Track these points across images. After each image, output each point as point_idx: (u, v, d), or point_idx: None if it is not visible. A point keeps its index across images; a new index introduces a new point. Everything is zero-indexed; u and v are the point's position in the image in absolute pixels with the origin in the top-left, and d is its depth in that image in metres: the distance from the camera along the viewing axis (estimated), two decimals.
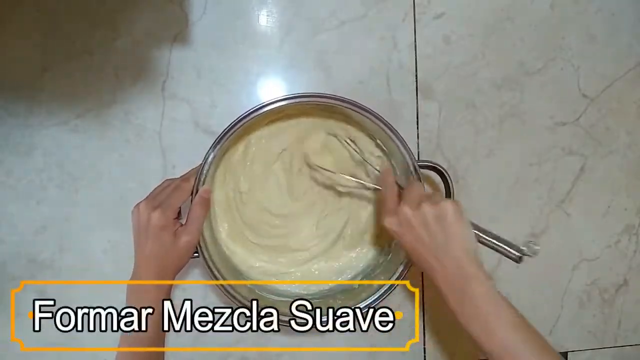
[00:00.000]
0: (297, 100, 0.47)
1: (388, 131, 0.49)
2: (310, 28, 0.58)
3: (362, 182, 0.53)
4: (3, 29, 0.54)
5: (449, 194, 0.51)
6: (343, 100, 0.48)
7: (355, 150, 0.54)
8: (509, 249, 0.42)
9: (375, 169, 0.54)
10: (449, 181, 0.51)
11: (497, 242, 0.42)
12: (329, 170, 0.54)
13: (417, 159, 0.57)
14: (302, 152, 0.56)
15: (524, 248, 0.42)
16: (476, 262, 0.40)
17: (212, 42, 0.57)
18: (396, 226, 0.43)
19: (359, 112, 0.48)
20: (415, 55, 0.60)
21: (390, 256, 0.55)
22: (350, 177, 0.53)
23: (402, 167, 0.51)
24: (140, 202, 0.46)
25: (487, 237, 0.43)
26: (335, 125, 0.56)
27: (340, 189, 0.57)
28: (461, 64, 0.61)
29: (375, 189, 0.56)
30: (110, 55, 0.56)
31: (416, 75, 0.60)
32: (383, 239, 0.58)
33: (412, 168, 0.49)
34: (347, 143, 0.54)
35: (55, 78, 0.55)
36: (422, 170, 0.50)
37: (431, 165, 0.51)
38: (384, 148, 0.55)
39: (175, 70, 0.57)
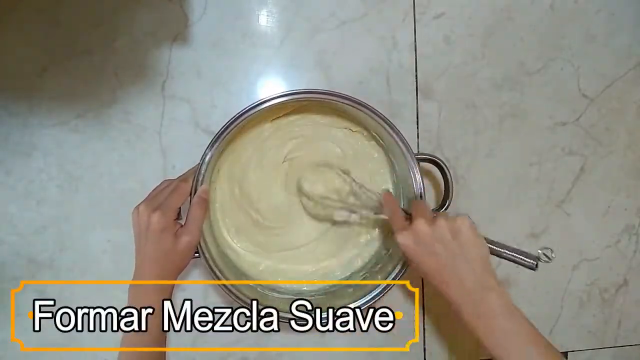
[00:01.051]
0: (291, 97, 0.47)
1: (384, 124, 0.49)
2: (310, 28, 0.58)
3: (362, 213, 0.51)
4: (3, 29, 0.54)
5: (447, 187, 0.51)
6: (337, 95, 0.48)
7: (355, 181, 0.53)
8: (525, 258, 0.42)
9: (374, 195, 0.52)
10: (448, 174, 0.51)
11: (513, 254, 0.43)
12: (328, 204, 0.53)
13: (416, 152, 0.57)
14: (298, 175, 0.56)
15: (540, 255, 0.42)
16: (493, 275, 0.41)
17: (212, 42, 0.57)
18: (412, 242, 0.43)
19: (354, 107, 0.48)
20: (415, 55, 0.60)
21: (390, 251, 0.55)
22: (349, 212, 0.51)
23: (400, 161, 0.51)
24: (140, 204, 0.46)
25: (501, 250, 0.43)
26: (333, 122, 0.56)
27: (338, 218, 0.52)
28: (461, 64, 0.61)
29: (378, 218, 0.53)
30: (110, 55, 0.56)
31: (416, 75, 0.60)
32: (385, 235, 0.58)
33: (410, 161, 0.50)
34: (341, 174, 0.54)
35: (55, 78, 0.55)
36: (421, 163, 0.50)
37: (429, 158, 0.51)
38: (382, 143, 0.55)
39: (175, 70, 0.57)
